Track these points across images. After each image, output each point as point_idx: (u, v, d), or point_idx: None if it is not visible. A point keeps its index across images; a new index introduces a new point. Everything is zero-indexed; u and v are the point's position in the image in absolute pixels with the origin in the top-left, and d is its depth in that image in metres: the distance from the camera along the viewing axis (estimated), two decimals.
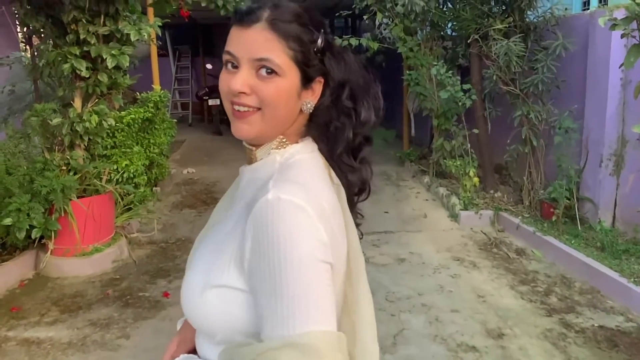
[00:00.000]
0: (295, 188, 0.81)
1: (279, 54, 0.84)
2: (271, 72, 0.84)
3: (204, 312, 0.85)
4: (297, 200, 0.79)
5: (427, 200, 5.76)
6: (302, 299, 0.74)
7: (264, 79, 0.85)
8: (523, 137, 4.82)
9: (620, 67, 3.72)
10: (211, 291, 0.84)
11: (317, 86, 0.91)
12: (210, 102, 10.47)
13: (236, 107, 0.87)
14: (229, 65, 0.88)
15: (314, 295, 0.75)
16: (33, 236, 3.65)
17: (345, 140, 0.93)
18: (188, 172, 7.05)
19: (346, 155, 0.95)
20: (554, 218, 4.34)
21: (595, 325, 3.13)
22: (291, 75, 0.86)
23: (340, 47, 0.94)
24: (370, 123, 0.96)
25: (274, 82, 0.85)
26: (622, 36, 3.21)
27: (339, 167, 0.95)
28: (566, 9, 4.74)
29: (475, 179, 5.10)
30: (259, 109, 0.86)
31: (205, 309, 0.85)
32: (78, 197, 3.90)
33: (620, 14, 3.68)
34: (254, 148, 0.93)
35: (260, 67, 0.85)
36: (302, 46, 0.86)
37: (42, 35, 4.14)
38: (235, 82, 0.85)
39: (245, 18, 0.85)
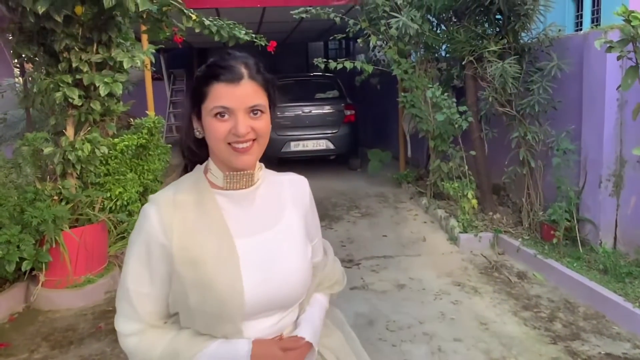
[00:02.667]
0: None
1: (263, 98, 1.11)
2: (259, 112, 1.10)
3: (306, 283, 1.19)
4: None
5: (425, 222, 5.70)
6: None
7: (256, 118, 1.09)
8: (521, 159, 4.79)
9: (617, 89, 3.71)
10: (309, 267, 1.21)
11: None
12: None
13: (239, 146, 1.08)
14: (221, 115, 1.07)
15: None
16: (23, 268, 3.56)
17: None
18: None
19: None
20: (554, 240, 4.28)
21: (602, 352, 3.04)
22: (268, 109, 1.12)
23: None
24: None
25: (262, 118, 1.10)
26: (618, 58, 3.20)
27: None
28: (560, 30, 4.74)
29: (474, 201, 5.05)
30: (254, 140, 1.09)
31: (307, 280, 1.19)
32: (70, 227, 3.82)
33: (614, 36, 3.69)
34: (252, 172, 1.16)
35: (253, 110, 1.09)
36: (271, 87, 1.13)
37: (35, 63, 4.11)
38: (240, 127, 1.06)
39: (232, 78, 1.06)
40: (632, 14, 2.96)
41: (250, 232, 1.14)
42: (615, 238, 4.23)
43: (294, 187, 1.26)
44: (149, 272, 1.09)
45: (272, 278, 1.11)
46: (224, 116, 1.07)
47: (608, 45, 3.17)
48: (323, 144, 8.19)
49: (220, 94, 1.06)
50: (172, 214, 1.09)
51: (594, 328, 3.33)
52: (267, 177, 1.22)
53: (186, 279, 1.06)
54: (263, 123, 1.09)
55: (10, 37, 4.00)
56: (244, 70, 1.07)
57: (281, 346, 1.10)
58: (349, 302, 3.78)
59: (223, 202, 1.13)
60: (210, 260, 1.07)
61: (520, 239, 4.64)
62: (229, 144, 1.08)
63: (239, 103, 1.06)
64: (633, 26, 2.98)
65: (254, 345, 1.08)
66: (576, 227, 4.30)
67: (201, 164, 1.19)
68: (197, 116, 1.13)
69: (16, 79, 6.05)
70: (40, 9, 3.32)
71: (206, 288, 1.05)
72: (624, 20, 3.03)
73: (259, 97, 1.09)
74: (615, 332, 3.26)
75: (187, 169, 1.23)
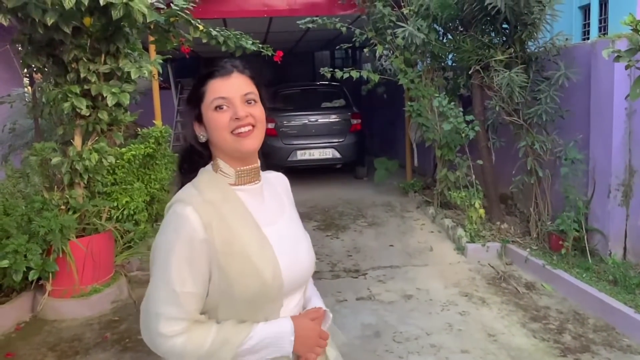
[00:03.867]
0: None
1: (253, 88, 1.23)
2: (253, 101, 1.22)
3: (314, 260, 1.35)
4: None
5: (432, 232, 5.66)
6: None
7: (251, 106, 1.21)
8: (528, 168, 4.76)
9: (626, 98, 3.68)
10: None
11: None
12: None
13: (241, 130, 1.17)
14: (220, 108, 1.19)
15: None
16: (30, 278, 3.56)
17: None
18: None
19: None
20: (563, 250, 4.24)
21: None
22: (259, 100, 1.24)
23: None
24: None
25: (257, 106, 1.23)
26: (627, 67, 3.18)
27: None
28: (567, 39, 4.72)
29: (481, 211, 5.02)
30: (254, 126, 1.20)
31: (315, 258, 1.36)
32: (77, 237, 3.84)
33: (622, 45, 3.67)
34: (258, 166, 1.27)
35: (247, 99, 1.21)
36: (259, 82, 1.26)
37: (44, 73, 4.15)
38: (239, 111, 1.17)
39: (224, 72, 1.21)
40: None
41: (269, 221, 1.25)
42: (625, 248, 4.18)
43: (281, 182, 1.43)
44: (193, 272, 1.12)
45: (298, 259, 1.26)
46: (222, 108, 1.19)
47: (616, 54, 3.15)
48: (329, 153, 8.19)
49: (217, 87, 1.20)
50: (208, 212, 1.14)
51: (604, 340, 3.28)
52: (265, 173, 1.39)
53: (230, 270, 1.14)
54: (258, 110, 1.22)
55: (20, 48, 4.04)
56: (233, 67, 1.23)
57: (310, 317, 1.27)
58: (355, 313, 3.76)
59: (243, 197, 1.23)
60: (251, 250, 1.16)
61: (528, 249, 4.60)
62: (232, 132, 1.18)
63: (233, 91, 1.19)
64: None
65: (293, 321, 1.21)
66: (585, 237, 4.26)
67: (200, 168, 1.26)
68: (198, 120, 1.23)
69: (25, 89, 6.11)
70: (50, 21, 3.36)
71: (251, 276, 1.14)
72: (631, 29, 3.01)
73: (250, 87, 1.23)
74: (626, 345, 3.21)
75: (183, 176, 1.29)
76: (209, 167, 1.24)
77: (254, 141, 1.20)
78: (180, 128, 12.49)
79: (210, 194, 1.17)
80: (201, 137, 1.22)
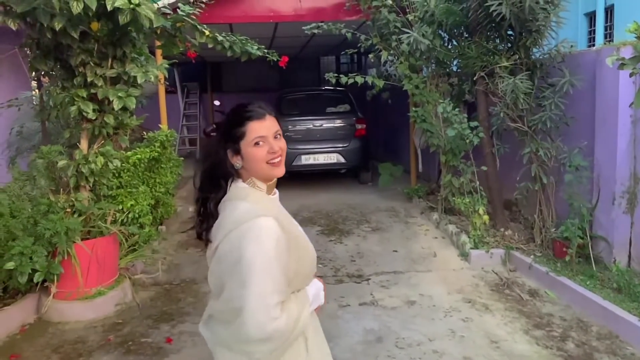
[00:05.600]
0: None
1: (278, 126, 1.55)
2: (279, 135, 1.54)
3: None
4: None
5: (436, 237, 5.66)
6: None
7: (278, 140, 1.53)
8: (533, 175, 4.75)
9: (630, 106, 3.68)
10: None
11: None
12: None
13: (274, 160, 1.51)
14: (258, 144, 1.49)
15: None
16: (35, 280, 3.59)
17: None
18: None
19: None
20: (567, 257, 4.22)
21: None
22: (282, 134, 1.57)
23: None
24: None
25: (282, 139, 1.55)
26: (631, 75, 3.18)
27: None
28: (572, 45, 4.72)
29: (485, 217, 5.02)
30: (281, 156, 1.53)
31: None
32: (82, 239, 3.87)
33: (627, 52, 3.67)
34: (275, 181, 1.58)
35: (275, 135, 1.53)
36: (279, 119, 1.57)
37: (51, 77, 4.19)
38: (275, 146, 1.50)
39: (259, 116, 1.51)
40: None
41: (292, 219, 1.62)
42: (629, 256, 4.16)
43: None
44: (282, 264, 1.42)
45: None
46: (259, 144, 1.49)
47: (620, 62, 3.16)
48: (334, 158, 8.21)
49: (256, 128, 1.49)
50: (279, 219, 1.46)
51: (607, 348, 3.27)
52: None
53: (298, 257, 1.50)
54: (283, 143, 1.55)
55: (28, 52, 4.08)
56: (265, 111, 1.53)
57: (319, 280, 1.67)
58: (358, 318, 3.76)
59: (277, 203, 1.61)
60: (304, 242, 1.56)
61: (532, 256, 4.59)
62: (267, 162, 1.50)
63: (268, 131, 1.51)
64: None
65: (319, 281, 1.65)
66: (589, 244, 4.24)
67: (219, 186, 1.55)
68: (233, 152, 1.51)
69: (33, 92, 6.17)
70: (57, 25, 3.40)
71: (308, 259, 1.57)
72: (636, 37, 3.02)
73: (277, 125, 1.54)
74: (630, 353, 3.20)
75: (202, 192, 1.58)
76: (243, 184, 1.52)
77: (283, 168, 1.54)
78: (187, 132, 12.57)
79: (266, 204, 1.50)
80: (237, 165, 1.51)
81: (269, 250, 1.38)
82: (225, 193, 1.53)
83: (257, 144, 1.48)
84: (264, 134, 1.49)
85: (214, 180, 1.54)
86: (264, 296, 1.36)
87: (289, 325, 1.42)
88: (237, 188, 1.51)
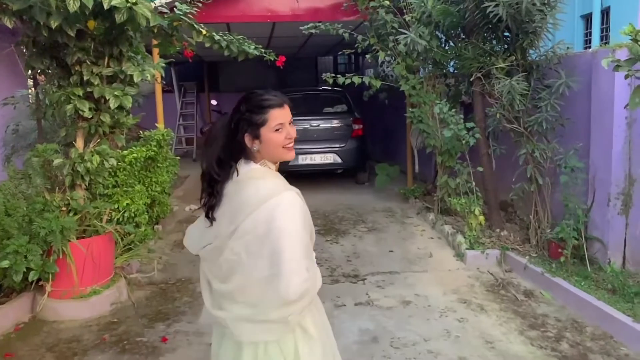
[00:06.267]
0: None
1: (291, 115, 1.69)
2: (292, 123, 1.68)
3: None
4: None
5: (432, 238, 5.67)
6: None
7: (292, 127, 1.68)
8: (528, 176, 4.77)
9: (625, 107, 3.70)
10: None
11: None
12: None
13: (290, 145, 1.66)
14: (277, 130, 1.62)
15: None
16: (30, 279, 3.58)
17: None
18: (191, 209, 7.01)
19: None
20: (562, 258, 4.24)
21: None
22: None
23: None
24: None
25: (294, 127, 1.69)
26: (626, 77, 3.19)
27: None
28: (568, 47, 4.74)
29: (481, 218, 5.03)
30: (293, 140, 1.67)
31: None
32: (77, 238, 3.86)
33: (622, 54, 3.68)
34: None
35: (290, 122, 1.67)
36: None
37: (47, 75, 4.18)
38: (293, 132, 1.66)
39: (279, 104, 1.64)
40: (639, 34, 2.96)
41: None
42: (624, 257, 4.18)
43: None
44: (307, 231, 1.60)
45: None
46: (279, 130, 1.63)
47: (615, 64, 3.17)
48: (331, 158, 8.21)
49: (277, 116, 1.62)
50: (299, 193, 1.64)
51: (601, 349, 3.28)
52: None
53: (309, 228, 1.62)
54: (294, 129, 1.69)
55: (24, 50, 4.07)
56: (282, 99, 1.66)
57: None
58: (353, 318, 3.76)
59: None
60: (309, 215, 1.66)
61: (527, 257, 4.60)
62: (283, 147, 1.65)
63: (287, 118, 1.65)
64: None
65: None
66: (584, 245, 4.26)
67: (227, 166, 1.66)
68: (253, 137, 1.61)
69: (29, 91, 6.15)
70: (54, 23, 3.39)
71: (312, 231, 1.67)
72: (631, 39, 3.03)
73: (290, 114, 1.68)
74: (624, 354, 3.21)
75: (216, 177, 1.65)
76: (256, 165, 1.64)
77: (293, 152, 1.69)
78: (184, 131, 12.55)
79: (286, 182, 1.65)
80: (254, 148, 1.63)
81: (297, 220, 1.55)
82: (229, 175, 1.64)
83: (277, 130, 1.62)
84: (283, 121, 1.63)
85: (224, 162, 1.63)
86: (298, 260, 1.52)
87: (314, 285, 1.61)
88: (252, 169, 1.63)
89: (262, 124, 1.60)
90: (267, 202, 1.53)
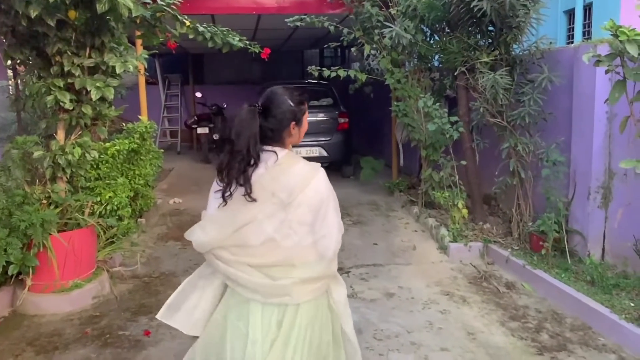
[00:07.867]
0: None
1: None
2: None
3: None
4: None
5: (416, 231, 5.71)
6: None
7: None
8: (511, 169, 4.82)
9: (605, 102, 3.75)
10: None
11: None
12: (199, 130, 10.43)
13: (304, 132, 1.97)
14: (305, 119, 1.96)
15: None
16: (10, 272, 3.53)
17: None
18: (175, 202, 6.96)
19: None
20: (543, 251, 4.30)
21: None
22: None
23: None
24: None
25: None
26: (606, 72, 3.23)
27: None
28: (551, 42, 4.78)
29: (464, 211, 5.07)
30: None
31: None
32: (59, 231, 3.81)
33: (603, 50, 3.72)
34: None
35: None
36: None
37: (27, 66, 4.10)
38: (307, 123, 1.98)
39: (307, 99, 1.97)
40: (620, 29, 3.00)
41: None
42: (603, 249, 4.26)
43: None
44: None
45: None
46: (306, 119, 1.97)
47: (596, 59, 3.21)
48: (316, 151, 8.21)
49: (306, 107, 1.96)
50: None
51: (580, 339, 3.34)
52: None
53: None
54: None
55: (3, 40, 3.99)
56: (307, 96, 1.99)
57: None
58: None
59: None
60: None
61: (509, 249, 4.66)
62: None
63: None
64: (620, 41, 3.02)
65: None
66: (565, 238, 4.33)
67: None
68: (297, 124, 1.90)
69: (9, 82, 6.04)
70: (33, 13, 3.33)
71: None
72: (611, 34, 3.07)
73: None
74: (602, 344, 3.28)
75: (248, 162, 1.80)
76: (286, 150, 1.88)
77: None
78: (168, 124, 12.43)
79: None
80: (294, 133, 1.89)
81: (333, 191, 1.89)
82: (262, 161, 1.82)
83: (306, 119, 1.96)
84: (307, 112, 1.99)
85: (256, 148, 1.78)
86: (339, 223, 1.87)
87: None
88: (287, 155, 1.87)
89: (304, 113, 1.94)
90: (314, 178, 1.81)
